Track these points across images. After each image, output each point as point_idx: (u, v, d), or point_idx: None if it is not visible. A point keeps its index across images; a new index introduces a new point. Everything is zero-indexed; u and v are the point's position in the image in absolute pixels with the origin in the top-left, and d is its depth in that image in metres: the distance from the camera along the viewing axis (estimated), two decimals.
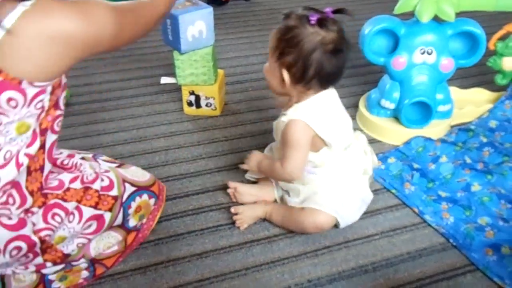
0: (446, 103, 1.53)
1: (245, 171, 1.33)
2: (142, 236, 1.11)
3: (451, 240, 1.17)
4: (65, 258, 0.99)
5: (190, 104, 1.66)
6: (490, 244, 1.13)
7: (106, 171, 1.05)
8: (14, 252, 0.88)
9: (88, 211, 0.98)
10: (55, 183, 0.96)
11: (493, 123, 1.59)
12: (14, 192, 0.88)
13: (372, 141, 1.55)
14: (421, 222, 1.23)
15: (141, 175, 1.12)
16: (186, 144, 1.53)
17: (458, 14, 1.42)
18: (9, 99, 0.79)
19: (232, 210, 1.20)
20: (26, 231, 0.89)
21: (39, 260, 0.95)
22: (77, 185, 0.98)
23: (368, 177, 1.22)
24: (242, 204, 1.25)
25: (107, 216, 1.01)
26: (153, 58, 2.07)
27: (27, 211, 0.90)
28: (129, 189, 1.06)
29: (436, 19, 1.43)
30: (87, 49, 0.85)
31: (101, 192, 1.00)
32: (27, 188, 0.89)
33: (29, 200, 0.90)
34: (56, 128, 0.93)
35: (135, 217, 1.08)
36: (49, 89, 0.84)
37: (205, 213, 1.25)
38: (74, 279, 1.04)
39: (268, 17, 2.63)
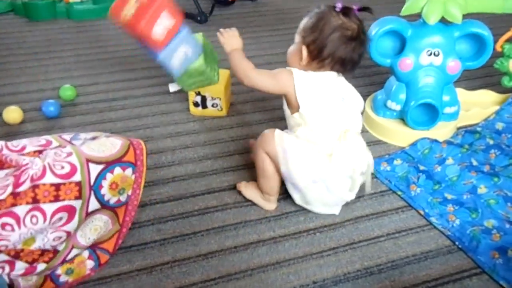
0: (453, 105, 1.53)
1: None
2: (132, 208, 1.08)
3: (457, 243, 1.17)
4: (55, 254, 0.96)
5: (196, 104, 1.67)
6: (496, 247, 1.13)
7: (69, 154, 0.97)
8: None
9: (49, 207, 0.92)
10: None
11: (499, 125, 1.58)
12: None
13: (378, 143, 1.54)
14: (427, 224, 1.23)
15: (110, 147, 1.04)
16: (192, 144, 1.54)
17: (465, 16, 1.42)
18: None
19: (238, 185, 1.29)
20: None
21: (20, 265, 0.93)
22: (25, 186, 0.90)
23: (353, 181, 1.17)
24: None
25: (77, 203, 0.96)
26: None
27: None
28: (95, 169, 0.99)
29: (443, 20, 1.43)
30: None
31: (61, 181, 0.93)
32: None
33: None
34: None
35: (113, 194, 1.03)
36: None
37: (211, 213, 1.26)
38: (81, 271, 1.04)
39: (274, 18, 2.63)
